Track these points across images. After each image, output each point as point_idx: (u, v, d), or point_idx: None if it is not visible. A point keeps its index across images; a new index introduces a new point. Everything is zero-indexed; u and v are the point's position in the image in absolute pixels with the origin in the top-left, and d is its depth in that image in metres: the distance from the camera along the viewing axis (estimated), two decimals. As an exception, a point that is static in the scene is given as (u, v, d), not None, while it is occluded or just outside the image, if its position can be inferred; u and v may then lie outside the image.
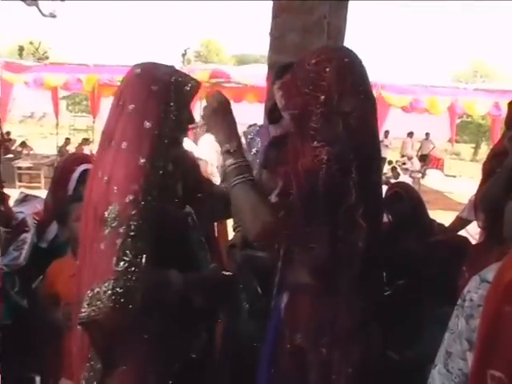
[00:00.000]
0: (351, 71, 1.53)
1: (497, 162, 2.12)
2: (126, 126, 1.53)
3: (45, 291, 2.37)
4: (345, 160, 1.44)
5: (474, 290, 1.12)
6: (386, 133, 15.47)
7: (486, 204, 2.07)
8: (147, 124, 1.51)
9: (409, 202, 2.99)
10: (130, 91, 1.59)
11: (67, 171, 2.54)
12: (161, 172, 1.53)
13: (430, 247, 2.62)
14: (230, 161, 1.54)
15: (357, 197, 1.44)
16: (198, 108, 7.39)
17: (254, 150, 2.77)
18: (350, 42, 3.56)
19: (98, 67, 13.35)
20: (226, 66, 18.61)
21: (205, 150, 6.08)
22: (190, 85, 1.62)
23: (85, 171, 2.46)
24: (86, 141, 15.24)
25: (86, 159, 2.63)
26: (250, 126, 3.06)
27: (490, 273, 1.09)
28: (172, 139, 1.57)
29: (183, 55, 17.75)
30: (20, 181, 11.48)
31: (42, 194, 2.84)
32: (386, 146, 14.89)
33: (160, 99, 1.55)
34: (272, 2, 3.52)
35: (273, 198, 1.48)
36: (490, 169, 2.16)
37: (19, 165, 11.93)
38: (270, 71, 3.43)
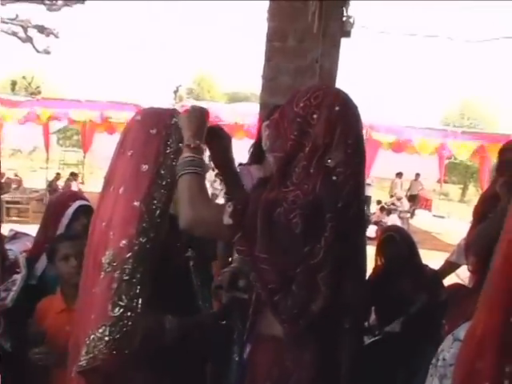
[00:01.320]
0: (341, 122, 1.45)
1: (488, 206, 2.14)
2: (125, 171, 1.56)
3: (33, 328, 2.32)
4: (314, 213, 1.38)
5: (447, 349, 1.11)
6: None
7: (479, 248, 2.05)
8: (144, 167, 1.54)
9: (402, 245, 3.02)
10: (131, 138, 1.62)
11: (62, 207, 2.52)
12: (157, 213, 1.53)
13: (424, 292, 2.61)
14: (186, 154, 1.55)
15: (324, 257, 1.38)
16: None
17: None
18: (340, 83, 3.61)
19: (90, 103, 13.52)
20: (218, 103, 18.82)
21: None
22: None
23: (80, 208, 2.45)
24: (74, 176, 15.04)
25: (81, 196, 2.61)
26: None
27: (462, 331, 1.07)
28: (171, 180, 1.57)
29: (175, 92, 17.98)
30: (8, 215, 11.38)
31: (30, 228, 2.82)
32: (369, 184, 14.92)
33: (159, 141, 1.58)
34: (265, 45, 3.59)
35: (225, 219, 1.43)
36: (482, 213, 2.17)
37: (7, 199, 11.84)
38: (261, 111, 3.50)
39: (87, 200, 2.63)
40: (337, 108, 1.45)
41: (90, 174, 18.66)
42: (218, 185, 2.94)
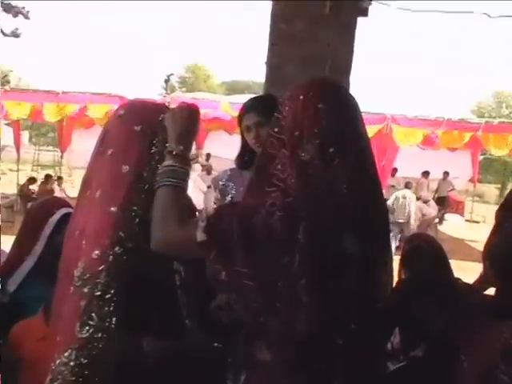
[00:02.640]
0: (306, 112, 1.51)
1: (506, 212, 2.14)
2: (103, 173, 1.57)
3: (8, 355, 2.29)
4: (293, 215, 1.42)
5: None
6: (394, 171, 15.32)
7: (496, 261, 2.00)
8: (124, 168, 1.55)
9: (431, 257, 2.99)
10: (112, 135, 1.63)
11: (44, 214, 2.46)
12: (137, 221, 1.53)
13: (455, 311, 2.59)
14: (168, 162, 1.56)
15: (301, 263, 1.40)
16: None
17: (228, 198, 2.79)
18: (356, 70, 3.61)
19: (68, 95, 13.55)
20: (215, 94, 18.88)
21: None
22: None
23: (64, 216, 2.36)
24: (49, 178, 14.86)
25: (66, 203, 2.53)
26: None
27: None
28: (154, 183, 1.56)
29: (166, 81, 18.09)
30: (-27, 225, 11.40)
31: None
32: (393, 186, 14.88)
33: (143, 140, 1.59)
34: (269, 28, 3.61)
35: (199, 235, 1.46)
36: (499, 219, 2.16)
37: (-28, 206, 11.91)
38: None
39: (73, 208, 2.59)
40: (301, 97, 1.52)
41: (68, 176, 18.72)
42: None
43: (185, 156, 1.59)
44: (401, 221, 12.70)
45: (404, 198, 12.96)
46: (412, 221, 12.82)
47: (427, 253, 3.00)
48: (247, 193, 1.56)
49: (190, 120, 1.63)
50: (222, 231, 1.43)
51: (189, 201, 1.80)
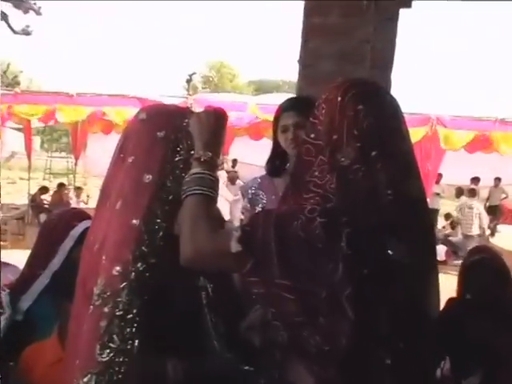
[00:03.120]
0: (345, 113, 1.53)
1: None
2: (123, 182, 1.57)
3: (19, 380, 2.28)
4: (335, 221, 1.42)
5: None
6: (439, 177, 14.99)
7: None
8: (147, 177, 1.55)
9: (494, 273, 2.94)
10: (133, 141, 1.63)
11: (63, 227, 2.47)
12: (160, 234, 1.54)
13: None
14: (195, 169, 1.58)
15: (344, 271, 1.40)
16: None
17: (259, 207, 2.83)
18: (398, 67, 3.58)
19: (83, 97, 13.66)
20: (242, 95, 18.87)
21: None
22: None
23: (87, 230, 2.39)
24: (61, 187, 15.10)
25: (88, 215, 2.50)
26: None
27: None
28: (178, 194, 1.57)
29: (188, 82, 18.13)
30: (-19, 238, 11.54)
31: (10, 255, 2.80)
32: (438, 194, 14.69)
33: (166, 147, 1.60)
34: (302, 23, 3.59)
35: (233, 246, 1.46)
36: None
37: (-19, 218, 12.05)
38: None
39: None
40: (339, 99, 1.54)
41: (83, 185, 18.90)
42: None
43: (213, 163, 1.61)
44: (470, 234, 12.63)
45: (470, 208, 12.87)
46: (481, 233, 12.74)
47: (488, 268, 2.95)
48: (282, 200, 1.59)
49: (217, 125, 1.65)
50: (258, 241, 1.44)
51: (218, 211, 1.77)
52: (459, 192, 13.89)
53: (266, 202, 2.82)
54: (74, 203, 13.57)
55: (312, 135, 1.57)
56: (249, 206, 2.90)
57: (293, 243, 1.41)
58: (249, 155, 14.72)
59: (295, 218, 1.42)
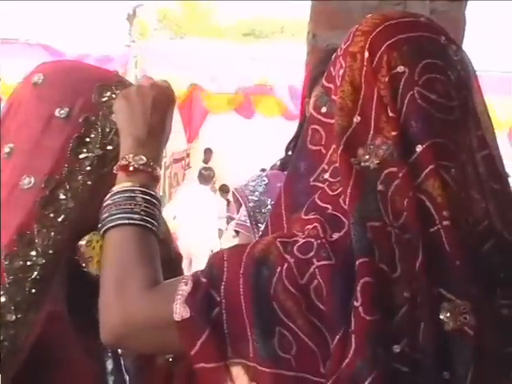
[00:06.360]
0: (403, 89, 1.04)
1: None
2: None
3: None
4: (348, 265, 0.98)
5: None
6: None
7: None
8: (26, 181, 1.19)
9: None
10: (16, 119, 1.25)
11: None
12: (34, 275, 1.18)
13: None
14: (121, 184, 1.13)
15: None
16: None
17: (263, 225, 2.32)
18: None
19: None
20: (225, 42, 13.71)
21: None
22: None
23: None
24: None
25: None
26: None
27: None
28: (78, 216, 1.19)
29: (129, 18, 11.74)
30: None
31: None
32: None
33: (68, 134, 1.20)
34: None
35: (177, 309, 1.04)
36: None
37: None
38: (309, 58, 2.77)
39: None
40: (366, 54, 1.08)
41: None
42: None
43: (152, 172, 1.17)
44: None
45: None
46: None
47: None
48: (271, 221, 1.17)
49: (161, 110, 1.21)
50: (227, 295, 1.00)
51: (168, 248, 1.37)
52: None
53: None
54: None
55: (323, 109, 1.13)
56: (248, 222, 2.18)
57: (277, 305, 0.97)
58: (233, 143, 11.43)
59: (278, 260, 0.98)
